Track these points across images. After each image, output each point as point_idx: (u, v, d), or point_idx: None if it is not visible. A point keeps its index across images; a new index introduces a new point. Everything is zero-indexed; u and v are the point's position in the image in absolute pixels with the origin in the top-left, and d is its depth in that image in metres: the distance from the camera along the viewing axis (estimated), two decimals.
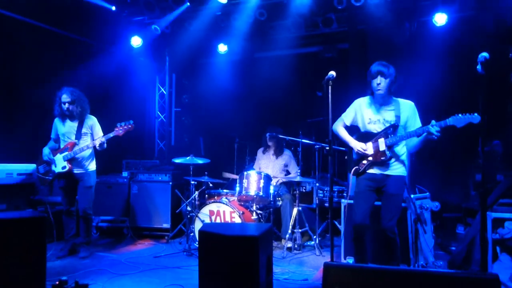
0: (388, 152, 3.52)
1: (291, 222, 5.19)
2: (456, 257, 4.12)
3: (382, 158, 3.54)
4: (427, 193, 4.51)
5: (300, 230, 5.22)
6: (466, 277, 1.96)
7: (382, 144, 3.54)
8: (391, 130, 3.55)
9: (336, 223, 5.19)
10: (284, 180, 5.67)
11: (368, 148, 3.59)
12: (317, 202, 5.51)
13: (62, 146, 4.79)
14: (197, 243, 4.81)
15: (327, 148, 3.75)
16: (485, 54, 2.75)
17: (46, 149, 4.79)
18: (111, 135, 4.63)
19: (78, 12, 6.19)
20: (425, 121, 3.49)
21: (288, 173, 5.90)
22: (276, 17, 6.53)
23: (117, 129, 4.61)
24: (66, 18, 6.19)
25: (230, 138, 7.15)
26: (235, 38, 7.02)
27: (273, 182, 5.40)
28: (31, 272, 3.11)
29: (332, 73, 3.29)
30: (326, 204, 5.43)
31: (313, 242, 5.22)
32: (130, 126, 4.63)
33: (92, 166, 4.88)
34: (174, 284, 3.83)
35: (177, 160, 5.43)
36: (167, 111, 8.20)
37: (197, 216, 5.02)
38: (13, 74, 5.80)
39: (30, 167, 5.40)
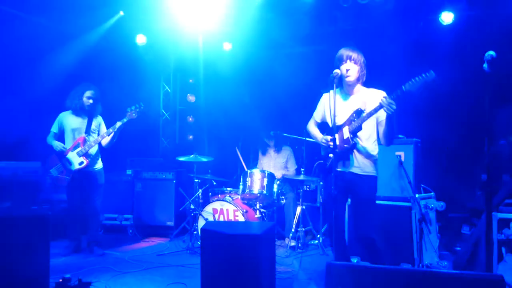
0: (352, 139, 3.23)
1: (295, 221, 5.18)
2: (461, 258, 4.09)
3: (345, 145, 3.24)
4: (432, 193, 4.48)
5: (303, 229, 5.21)
6: (471, 277, 1.94)
7: (346, 131, 3.27)
8: (353, 116, 3.26)
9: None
10: (286, 176, 5.66)
11: (336, 140, 3.17)
12: (321, 200, 5.49)
13: (70, 143, 4.73)
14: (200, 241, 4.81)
15: (331, 146, 3.61)
16: (492, 52, 2.71)
17: (55, 141, 4.72)
18: (125, 119, 4.66)
19: (82, 9, 6.18)
20: None
21: (287, 169, 5.89)
22: (281, 15, 6.49)
23: (129, 113, 4.66)
24: (70, 14, 6.18)
25: (234, 136, 7.14)
26: (240, 36, 6.99)
27: (278, 176, 5.40)
28: (35, 270, 3.12)
29: (337, 71, 3.21)
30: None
31: (316, 241, 5.20)
32: (142, 107, 4.71)
33: (100, 164, 4.91)
34: (177, 282, 3.83)
35: (181, 158, 5.43)
36: (171, 109, 8.20)
37: (200, 214, 5.02)
38: (13, 70, 5.81)
39: (35, 164, 5.43)
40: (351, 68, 3.26)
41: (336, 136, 3.16)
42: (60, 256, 4.65)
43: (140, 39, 7.15)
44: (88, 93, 4.74)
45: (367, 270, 2.26)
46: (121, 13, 6.63)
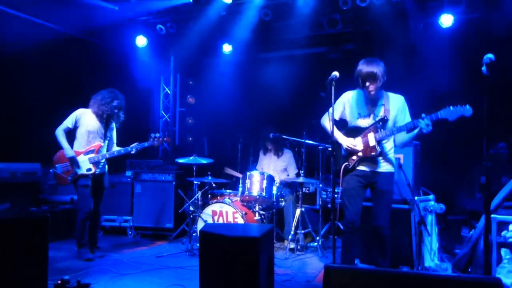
0: (378, 147, 3.46)
1: (294, 223, 5.17)
2: (460, 260, 4.08)
3: (372, 153, 3.47)
4: (432, 195, 4.47)
5: (303, 231, 5.20)
6: (469, 280, 1.94)
7: (372, 139, 3.47)
8: (380, 125, 3.48)
9: (340, 224, 5.16)
10: (286, 180, 5.66)
11: (357, 143, 3.53)
12: (320, 203, 5.49)
13: (83, 144, 4.64)
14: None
15: (330, 148, 3.68)
16: (490, 55, 2.72)
17: (68, 145, 4.58)
18: (146, 144, 4.69)
19: (82, 11, 6.20)
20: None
21: (288, 175, 5.89)
22: (281, 17, 6.50)
23: (152, 139, 4.67)
24: (70, 17, 6.20)
25: (234, 138, 7.15)
26: (239, 38, 7.01)
27: (277, 179, 5.40)
28: (34, 271, 3.11)
29: (336, 73, 3.28)
30: (330, 205, 5.41)
31: (316, 244, 5.20)
32: (167, 139, 4.76)
33: (106, 166, 4.87)
34: (176, 284, 3.82)
35: (181, 160, 5.43)
36: (171, 111, 8.21)
37: (199, 216, 5.02)
38: (16, 72, 5.82)
39: (34, 166, 5.42)
40: (371, 86, 3.44)
41: (359, 140, 3.50)
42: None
43: (140, 41, 7.16)
44: (116, 103, 4.70)
45: (366, 273, 2.26)
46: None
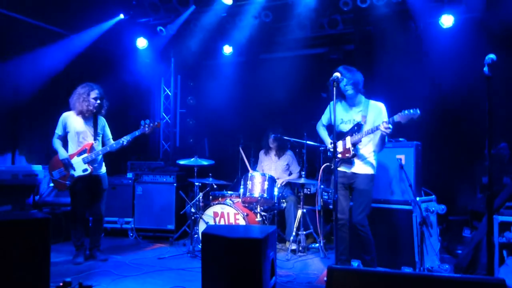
0: (352, 149, 3.80)
1: (296, 224, 5.17)
2: (462, 261, 4.08)
3: (347, 155, 3.83)
4: (433, 196, 4.47)
5: (304, 232, 5.20)
6: (472, 281, 1.94)
7: (348, 142, 3.84)
8: (355, 129, 3.83)
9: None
10: (288, 180, 5.65)
11: (338, 146, 3.81)
12: (321, 204, 5.48)
13: (75, 146, 4.57)
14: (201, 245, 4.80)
15: (331, 150, 3.78)
16: (492, 56, 2.72)
17: (62, 149, 4.54)
18: (137, 133, 4.58)
19: (83, 13, 6.21)
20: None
21: (290, 173, 5.89)
22: (281, 18, 6.51)
23: (143, 126, 4.57)
24: (70, 18, 6.21)
25: (235, 139, 7.14)
26: (240, 40, 7.01)
27: (278, 182, 5.39)
28: (35, 274, 3.11)
29: (337, 74, 3.33)
30: (331, 206, 5.40)
31: (317, 245, 5.19)
32: (157, 124, 4.64)
33: (104, 168, 4.79)
34: (178, 286, 3.81)
35: (182, 162, 5.43)
36: (172, 112, 8.21)
37: (201, 217, 5.02)
38: (17, 73, 5.83)
39: (35, 168, 5.42)
40: (348, 89, 3.80)
41: (340, 143, 3.88)
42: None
43: (141, 43, 7.16)
44: (93, 94, 4.56)
45: (368, 274, 2.26)
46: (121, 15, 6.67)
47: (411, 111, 3.44)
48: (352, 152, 3.80)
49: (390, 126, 3.50)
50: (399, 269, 4.03)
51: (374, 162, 3.88)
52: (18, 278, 3.01)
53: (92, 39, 6.56)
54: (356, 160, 3.86)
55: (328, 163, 3.97)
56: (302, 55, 7.32)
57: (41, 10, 5.91)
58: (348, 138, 3.84)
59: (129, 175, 6.22)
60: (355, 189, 3.88)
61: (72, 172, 4.52)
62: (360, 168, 3.85)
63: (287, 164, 5.88)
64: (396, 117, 3.52)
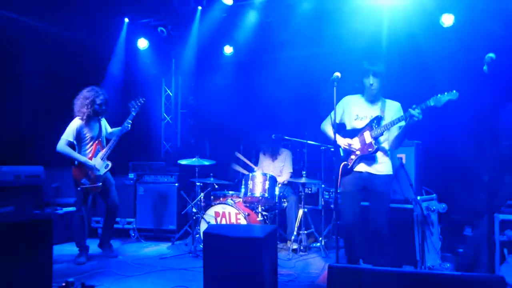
0: (375, 144, 3.57)
1: (297, 224, 5.18)
2: (463, 259, 4.09)
3: (369, 150, 3.59)
4: (434, 195, 4.47)
5: (305, 232, 5.21)
6: (472, 279, 1.95)
7: (368, 136, 3.61)
8: (375, 122, 3.63)
9: None
10: (289, 180, 5.66)
11: (354, 142, 3.65)
12: (322, 203, 5.49)
13: (90, 149, 4.70)
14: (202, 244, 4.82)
15: (332, 149, 3.76)
16: (491, 54, 2.73)
17: (80, 155, 4.62)
18: (133, 113, 4.85)
19: (83, 15, 6.22)
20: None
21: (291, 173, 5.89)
22: (282, 18, 6.51)
23: (133, 108, 4.86)
24: (72, 19, 6.22)
25: (236, 139, 7.15)
26: (240, 40, 7.02)
27: (279, 180, 5.41)
28: (38, 274, 3.13)
29: (337, 74, 3.32)
30: (332, 206, 5.41)
31: (318, 244, 5.20)
32: (143, 101, 4.93)
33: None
34: (180, 285, 3.83)
35: (183, 162, 5.44)
36: (173, 112, 8.23)
37: (202, 217, 5.03)
38: (17, 75, 5.85)
39: (37, 169, 5.44)
40: (374, 83, 3.61)
41: (356, 139, 3.63)
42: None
43: (142, 43, 7.18)
44: (99, 100, 4.70)
45: (369, 272, 2.27)
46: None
47: (446, 94, 3.28)
48: (375, 146, 3.56)
49: (420, 110, 3.28)
50: (400, 268, 4.03)
51: (391, 162, 3.71)
52: (21, 278, 3.03)
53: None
54: (378, 157, 3.63)
55: (345, 162, 3.67)
56: (302, 54, 7.32)
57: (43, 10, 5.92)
58: (367, 133, 3.62)
59: (131, 175, 6.25)
60: (373, 191, 3.63)
61: (97, 173, 4.69)
62: (381, 167, 3.63)
63: (283, 164, 5.88)
64: (430, 102, 3.31)
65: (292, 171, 5.86)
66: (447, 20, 5.83)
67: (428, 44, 5.94)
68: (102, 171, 4.73)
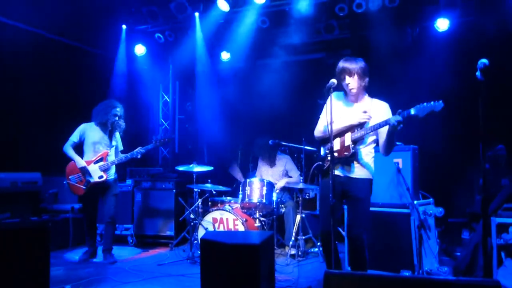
0: (352, 147, 3.30)
1: (295, 229, 5.17)
2: (460, 263, 4.09)
3: (345, 153, 3.31)
4: (431, 199, 4.49)
5: (303, 237, 5.21)
6: (467, 283, 1.95)
7: (347, 138, 3.34)
8: (357, 124, 3.36)
9: (340, 230, 5.17)
10: (287, 185, 5.66)
11: (335, 144, 3.33)
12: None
13: (90, 154, 4.89)
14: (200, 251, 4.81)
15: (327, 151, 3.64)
16: (484, 60, 2.74)
17: (77, 156, 4.85)
18: (149, 146, 4.96)
19: (81, 21, 6.24)
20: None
21: (290, 177, 5.89)
22: (278, 24, 6.55)
23: (154, 142, 4.96)
24: (70, 27, 6.24)
25: (233, 145, 7.16)
26: (237, 46, 7.05)
27: (277, 186, 5.41)
28: (35, 281, 3.12)
29: (333, 81, 3.24)
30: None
31: (316, 249, 5.20)
32: (167, 140, 5.04)
33: (115, 174, 5.08)
34: None
35: (181, 168, 5.44)
36: (170, 118, 8.24)
37: (200, 223, 5.03)
38: (17, 79, 5.86)
39: (34, 175, 5.43)
40: (350, 82, 3.37)
41: (337, 140, 3.37)
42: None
43: (139, 50, 7.21)
44: (115, 111, 4.95)
45: (365, 278, 2.27)
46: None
47: (432, 103, 3.04)
48: (351, 151, 3.28)
49: (400, 118, 3.05)
50: (397, 273, 4.03)
51: (372, 166, 3.43)
52: (18, 285, 3.02)
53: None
54: (354, 164, 3.35)
55: (320, 162, 3.45)
56: (299, 60, 7.36)
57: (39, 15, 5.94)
58: (348, 134, 3.35)
59: (129, 181, 6.25)
60: (351, 197, 3.37)
61: (88, 178, 4.80)
62: (358, 172, 3.36)
63: (284, 170, 5.88)
64: (413, 110, 3.07)
65: (300, 173, 5.84)
66: (442, 24, 5.87)
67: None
68: (94, 179, 4.81)
